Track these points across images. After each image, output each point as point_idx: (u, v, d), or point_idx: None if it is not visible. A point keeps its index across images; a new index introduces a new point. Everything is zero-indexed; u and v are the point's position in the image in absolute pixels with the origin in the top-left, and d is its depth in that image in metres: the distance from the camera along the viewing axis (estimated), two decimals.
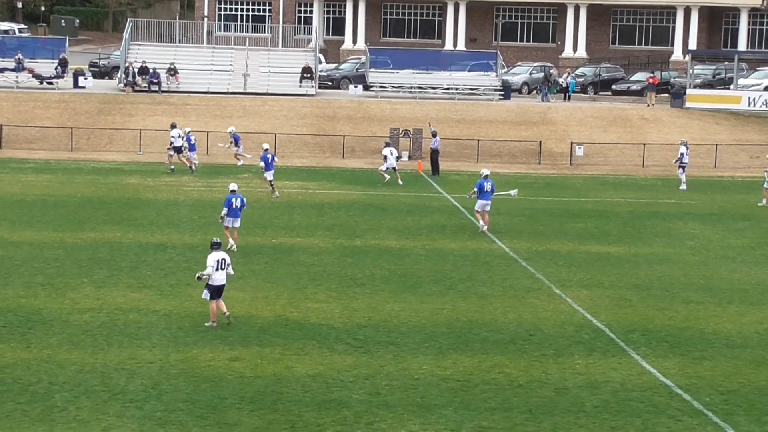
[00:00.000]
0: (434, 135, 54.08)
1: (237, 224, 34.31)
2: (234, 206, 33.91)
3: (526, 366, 23.72)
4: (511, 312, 28.15)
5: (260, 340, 24.87)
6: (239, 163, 52.95)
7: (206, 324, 25.89)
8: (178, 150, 50.89)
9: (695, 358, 24.76)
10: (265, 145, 46.46)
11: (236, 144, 52.67)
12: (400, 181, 49.82)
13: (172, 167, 50.81)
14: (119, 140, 57.68)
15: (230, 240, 34.03)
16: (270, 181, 44.96)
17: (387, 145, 51.35)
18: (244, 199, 34.63)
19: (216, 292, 25.92)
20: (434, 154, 53.74)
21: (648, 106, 67.84)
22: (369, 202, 44.87)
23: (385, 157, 50.13)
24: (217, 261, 25.80)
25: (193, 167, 50.74)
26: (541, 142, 60.70)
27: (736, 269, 34.47)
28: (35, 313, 26.43)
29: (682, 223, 42.55)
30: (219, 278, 25.84)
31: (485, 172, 39.53)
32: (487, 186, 38.38)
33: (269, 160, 44.82)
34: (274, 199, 44.20)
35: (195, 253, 33.54)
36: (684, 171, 52.05)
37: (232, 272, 26.53)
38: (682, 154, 52.14)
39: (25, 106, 61.47)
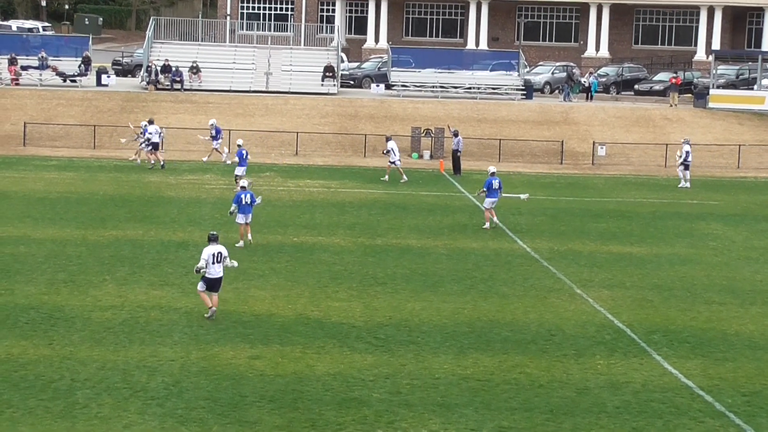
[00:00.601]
0: (456, 135, 54.09)
1: (249, 220, 34.72)
2: (244, 202, 34.38)
3: (547, 366, 23.67)
4: (532, 312, 28.10)
5: (281, 339, 24.89)
6: (223, 158, 52.91)
7: (206, 315, 26.13)
8: (155, 146, 51.21)
9: (717, 359, 24.66)
10: (239, 141, 47.08)
11: (216, 137, 52.62)
12: (386, 177, 49.89)
13: (139, 161, 51.21)
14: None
15: (240, 242, 34.33)
16: (236, 176, 44.95)
17: (389, 139, 51.37)
18: (254, 195, 34.98)
19: (211, 284, 26.13)
20: (456, 153, 53.74)
21: (671, 106, 67.63)
22: (390, 201, 44.87)
23: (391, 151, 50.09)
24: (212, 254, 26.01)
25: (152, 162, 51.15)
26: (563, 141, 60.58)
27: (759, 270, 34.31)
28: (57, 310, 26.53)
29: (705, 223, 42.40)
30: (215, 271, 26.05)
31: (492, 169, 39.90)
32: (495, 183, 38.73)
33: (243, 156, 45.39)
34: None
35: None
36: (687, 169, 52.05)
37: (235, 264, 26.67)
38: (687, 152, 52.12)
39: (48, 104, 61.71)
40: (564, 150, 60.11)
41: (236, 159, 45.44)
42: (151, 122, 51.80)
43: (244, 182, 35.45)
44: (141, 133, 51.32)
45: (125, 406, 20.38)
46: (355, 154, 58.85)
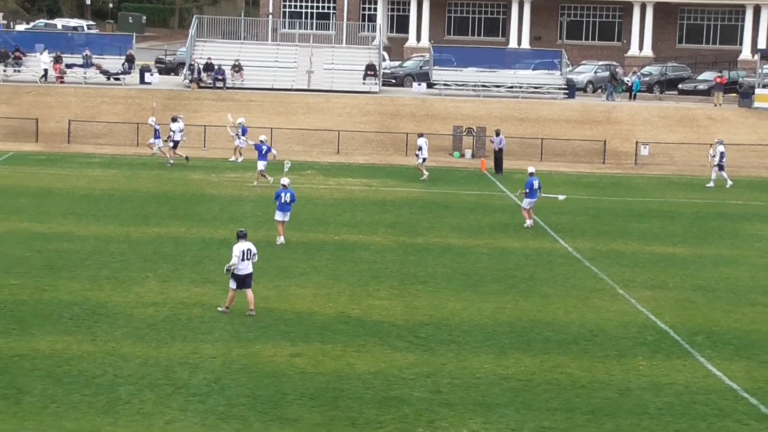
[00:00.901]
0: (497, 134, 53.94)
1: (287, 218, 34.91)
2: (283, 200, 34.61)
3: (588, 367, 23.56)
4: (573, 312, 27.99)
5: (322, 337, 24.92)
6: (232, 158, 52.71)
7: (219, 309, 26.54)
8: (176, 144, 51.31)
9: (762, 361, 24.45)
10: (262, 137, 47.65)
11: (242, 135, 52.22)
12: (425, 175, 49.92)
13: (172, 161, 51.38)
14: (184, 136, 58.04)
15: (281, 238, 34.64)
16: (260, 171, 45.79)
17: (421, 135, 51.42)
18: (294, 194, 35.16)
19: (241, 281, 26.34)
20: (498, 152, 53.63)
21: (715, 105, 67.12)
22: (431, 200, 44.82)
23: (420, 148, 50.19)
24: (242, 251, 26.23)
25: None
26: (605, 141, 60.27)
27: None
28: (100, 306, 26.70)
29: (750, 224, 42.04)
30: (244, 268, 26.27)
31: (531, 169, 39.74)
32: (536, 184, 38.64)
33: (263, 151, 45.85)
34: (252, 186, 45.66)
35: (258, 248, 33.59)
36: (722, 169, 51.75)
37: (256, 260, 26.82)
38: (721, 153, 51.82)
39: (92, 102, 62.09)
40: (606, 149, 59.79)
41: (257, 151, 45.97)
42: (174, 120, 51.99)
43: (285, 180, 35.54)
44: (154, 130, 51.54)
45: (167, 403, 20.48)
46: (396, 153, 58.80)
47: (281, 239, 34.64)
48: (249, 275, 26.42)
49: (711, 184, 51.93)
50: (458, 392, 21.69)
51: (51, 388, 20.99)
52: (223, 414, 20.06)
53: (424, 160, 50.28)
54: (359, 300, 28.30)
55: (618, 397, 21.77)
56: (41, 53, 65.63)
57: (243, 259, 26.19)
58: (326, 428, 19.65)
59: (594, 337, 25.80)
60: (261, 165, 45.78)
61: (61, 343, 23.72)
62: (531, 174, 39.20)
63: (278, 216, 34.85)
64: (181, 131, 51.56)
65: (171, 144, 51.36)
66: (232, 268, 26.18)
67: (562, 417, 20.59)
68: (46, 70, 64.96)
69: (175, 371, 22.20)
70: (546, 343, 25.16)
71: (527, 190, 38.86)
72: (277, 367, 22.69)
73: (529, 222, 39.01)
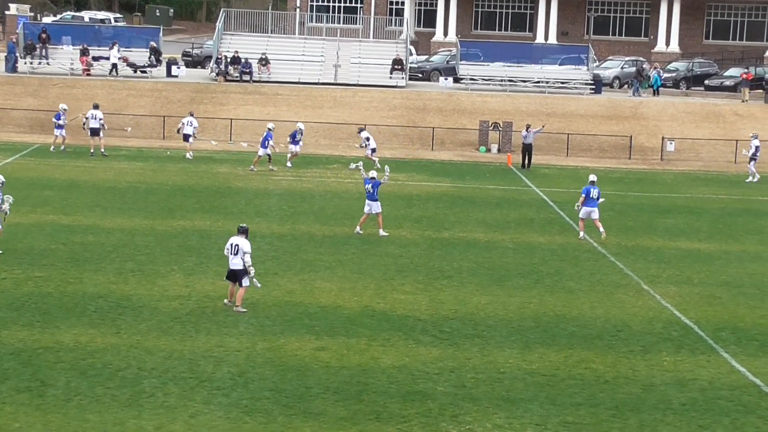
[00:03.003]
0: (528, 129, 53.76)
1: (375, 209, 35.49)
2: (367, 191, 35.41)
3: (613, 362, 23.51)
4: (598, 307, 27.94)
5: (346, 331, 24.94)
6: (289, 164, 52.29)
7: (224, 301, 26.57)
8: (95, 131, 51.31)
9: None
10: (270, 125, 49.56)
11: (297, 142, 51.24)
12: (378, 165, 49.81)
13: (92, 152, 51.76)
14: (210, 129, 58.22)
15: (379, 231, 35.47)
16: (259, 156, 48.35)
17: (362, 130, 52.00)
18: (379, 183, 35.56)
19: (228, 275, 26.19)
20: (527, 147, 53.48)
21: (742, 101, 66.83)
22: (457, 195, 44.80)
23: (368, 138, 50.80)
24: (231, 245, 26.05)
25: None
26: (631, 136, 60.12)
27: None
28: (125, 299, 26.79)
29: None
30: (232, 263, 25.96)
31: (593, 177, 37.54)
32: (594, 192, 36.29)
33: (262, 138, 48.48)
34: (249, 171, 48.07)
35: (283, 242, 33.81)
36: (750, 162, 52.16)
37: (249, 261, 25.83)
38: (757, 147, 52.14)
39: (119, 95, 62.32)
40: (633, 145, 59.65)
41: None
42: (95, 107, 52.23)
43: (373, 172, 35.95)
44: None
45: (191, 396, 20.53)
46: (422, 147, 58.82)
47: (382, 233, 35.46)
48: (236, 271, 25.91)
49: (753, 179, 52.08)
50: (482, 387, 21.68)
51: (75, 380, 21.06)
52: (246, 407, 20.10)
53: (374, 150, 50.45)
54: (384, 294, 28.31)
55: (642, 393, 21.73)
56: (110, 48, 65.81)
57: (231, 254, 26.03)
58: (350, 422, 19.66)
59: (618, 333, 25.75)
60: (260, 151, 48.14)
61: (86, 335, 23.81)
62: (592, 183, 36.72)
63: (366, 208, 35.68)
64: (101, 119, 51.47)
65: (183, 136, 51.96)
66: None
67: (586, 412, 20.56)
68: (114, 65, 65.19)
69: (199, 364, 22.26)
70: (571, 338, 25.13)
71: (583, 196, 36.26)
72: (301, 361, 22.72)
73: (582, 234, 36.66)
